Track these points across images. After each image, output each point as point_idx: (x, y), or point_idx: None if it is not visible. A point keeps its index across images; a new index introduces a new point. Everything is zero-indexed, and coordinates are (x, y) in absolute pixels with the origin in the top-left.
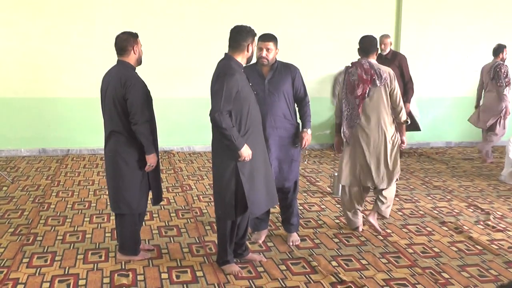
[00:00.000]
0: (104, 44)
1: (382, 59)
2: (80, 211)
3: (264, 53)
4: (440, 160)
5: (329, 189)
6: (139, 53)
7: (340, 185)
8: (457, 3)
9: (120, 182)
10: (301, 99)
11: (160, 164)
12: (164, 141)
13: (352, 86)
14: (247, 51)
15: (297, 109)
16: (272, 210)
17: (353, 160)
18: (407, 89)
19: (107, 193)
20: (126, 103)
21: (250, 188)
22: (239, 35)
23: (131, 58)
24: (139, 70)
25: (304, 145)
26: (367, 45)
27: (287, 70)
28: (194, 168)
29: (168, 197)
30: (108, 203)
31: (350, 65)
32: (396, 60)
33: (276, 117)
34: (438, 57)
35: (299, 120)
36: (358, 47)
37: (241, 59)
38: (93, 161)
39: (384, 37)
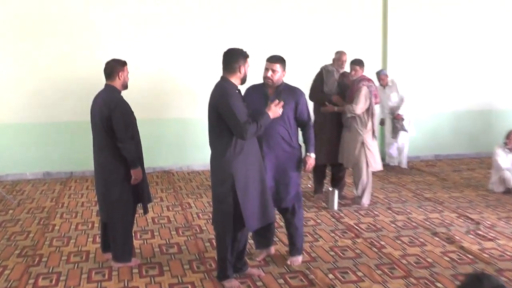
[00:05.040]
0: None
1: (341, 77)
2: (83, 231)
3: (269, 73)
4: (430, 172)
5: (324, 204)
6: (125, 79)
7: (367, 172)
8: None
9: (109, 193)
10: (304, 123)
11: (160, 183)
12: (163, 161)
13: (375, 96)
14: (239, 72)
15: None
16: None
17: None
18: None
19: None
20: (112, 122)
21: (245, 203)
22: (231, 58)
23: (116, 83)
24: (138, 91)
25: (308, 169)
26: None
27: (292, 94)
28: (193, 187)
29: (168, 216)
30: None
31: (364, 80)
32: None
33: (273, 137)
34: (425, 79)
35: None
36: (361, 65)
37: (235, 80)
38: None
39: (343, 54)
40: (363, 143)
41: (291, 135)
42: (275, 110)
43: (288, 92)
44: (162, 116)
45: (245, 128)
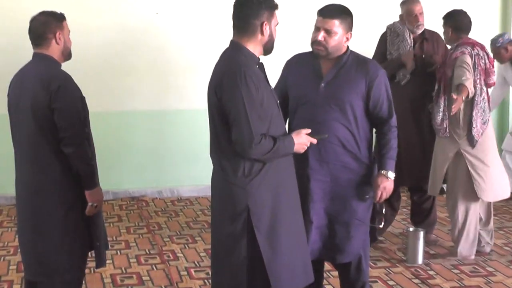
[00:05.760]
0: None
1: (420, 40)
2: None
3: (321, 35)
4: None
5: (400, 255)
6: (65, 43)
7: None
8: None
9: (44, 234)
10: (381, 120)
11: (126, 218)
12: (131, 182)
13: (486, 72)
14: (261, 33)
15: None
16: None
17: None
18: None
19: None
20: (53, 114)
21: (273, 254)
22: (246, 9)
23: (53, 50)
24: (87, 65)
25: (380, 198)
26: (469, 24)
27: (362, 70)
28: (180, 225)
29: (139, 272)
30: None
31: (464, 44)
32: (434, 42)
33: (328, 143)
34: None
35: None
36: (461, 24)
37: (254, 46)
38: (15, 215)
39: (414, 2)
40: (459, 155)
41: (359, 141)
42: (304, 141)
43: (356, 68)
44: (129, 107)
45: (254, 140)
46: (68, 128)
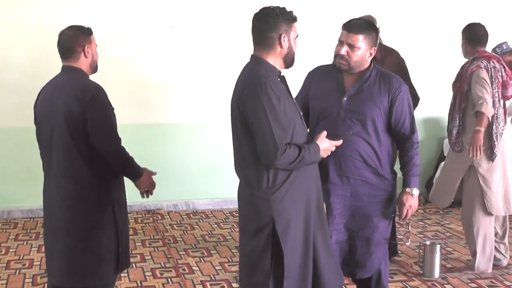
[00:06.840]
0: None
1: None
2: None
3: (343, 50)
4: None
5: (417, 268)
6: (93, 56)
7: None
8: None
9: (87, 245)
10: (403, 137)
11: (141, 232)
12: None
13: (503, 84)
14: (280, 45)
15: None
16: None
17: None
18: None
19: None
20: (87, 124)
21: (298, 271)
22: (264, 23)
23: (81, 63)
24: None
25: (405, 216)
26: (485, 36)
27: (385, 86)
28: (195, 238)
29: (155, 286)
30: None
31: (480, 58)
32: (391, 60)
33: (348, 158)
34: None
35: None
36: (476, 37)
37: (274, 59)
38: (32, 228)
39: (373, 19)
40: (472, 168)
41: (380, 156)
42: (328, 146)
43: (378, 83)
44: (145, 120)
45: (279, 150)
46: (102, 137)
